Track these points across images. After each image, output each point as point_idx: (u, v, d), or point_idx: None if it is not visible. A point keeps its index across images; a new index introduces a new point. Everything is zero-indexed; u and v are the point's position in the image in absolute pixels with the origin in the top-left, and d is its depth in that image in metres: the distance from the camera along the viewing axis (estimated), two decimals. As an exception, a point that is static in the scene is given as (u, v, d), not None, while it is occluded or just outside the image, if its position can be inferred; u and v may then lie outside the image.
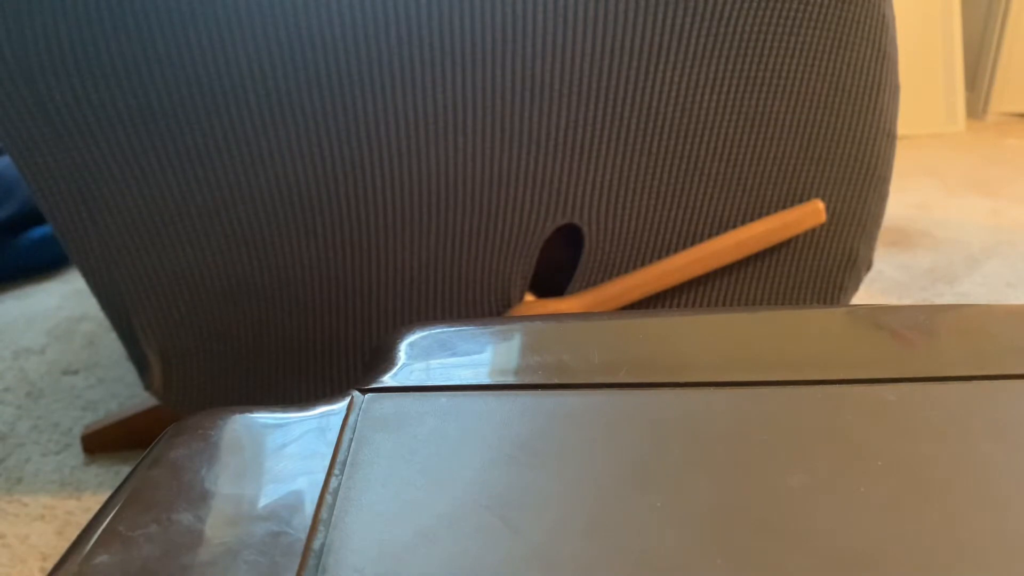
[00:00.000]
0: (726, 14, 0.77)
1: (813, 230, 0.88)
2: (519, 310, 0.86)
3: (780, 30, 0.79)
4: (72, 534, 0.30)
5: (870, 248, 0.93)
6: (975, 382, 0.36)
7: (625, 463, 0.31)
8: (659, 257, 0.85)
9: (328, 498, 0.30)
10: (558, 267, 0.86)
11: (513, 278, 0.85)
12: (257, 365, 0.88)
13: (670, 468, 0.31)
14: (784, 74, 0.81)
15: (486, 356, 0.40)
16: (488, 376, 0.37)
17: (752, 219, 0.86)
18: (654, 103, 0.79)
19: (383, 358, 0.39)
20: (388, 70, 0.73)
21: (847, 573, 0.26)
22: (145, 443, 0.34)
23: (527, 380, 0.36)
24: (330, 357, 0.86)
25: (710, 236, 0.86)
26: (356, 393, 0.36)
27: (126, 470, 0.34)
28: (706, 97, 0.80)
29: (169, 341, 0.87)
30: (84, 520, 0.31)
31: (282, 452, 0.33)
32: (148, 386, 0.94)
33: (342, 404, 0.35)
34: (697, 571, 0.26)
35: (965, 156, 2.29)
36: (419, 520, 0.28)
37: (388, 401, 0.35)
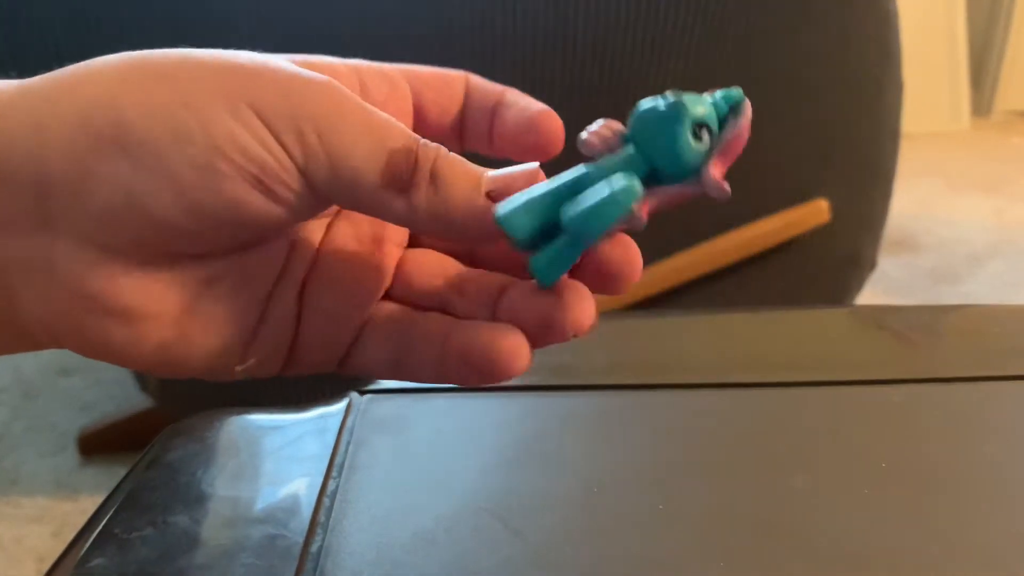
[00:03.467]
0: (729, 11, 0.76)
1: (817, 230, 0.88)
2: (520, 310, 0.86)
3: (784, 27, 0.78)
4: (68, 536, 0.30)
5: (874, 247, 0.92)
6: (979, 383, 0.36)
7: (626, 464, 0.31)
8: (661, 257, 0.85)
9: (326, 501, 0.29)
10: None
11: (514, 278, 0.84)
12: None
13: (671, 469, 0.31)
14: (787, 72, 0.80)
15: (486, 356, 0.40)
16: (488, 377, 0.37)
17: (755, 219, 0.86)
18: (656, 102, 0.79)
19: (382, 358, 0.39)
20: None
21: (850, 575, 0.26)
22: (142, 445, 0.34)
23: (527, 381, 0.36)
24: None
25: (713, 236, 0.86)
26: (354, 395, 0.35)
27: (122, 472, 0.34)
28: (708, 96, 0.80)
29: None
30: (80, 522, 0.31)
31: (279, 454, 0.33)
32: (144, 387, 0.94)
33: (340, 406, 0.35)
34: (698, 573, 0.26)
35: (969, 154, 2.29)
36: (417, 523, 0.28)
37: (386, 403, 0.35)
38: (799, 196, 0.86)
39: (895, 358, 0.40)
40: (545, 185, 0.22)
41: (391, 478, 0.30)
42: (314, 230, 0.25)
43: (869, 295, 1.52)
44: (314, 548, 0.27)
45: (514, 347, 0.23)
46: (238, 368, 0.24)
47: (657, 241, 0.84)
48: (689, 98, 0.21)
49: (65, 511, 1.07)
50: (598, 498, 0.29)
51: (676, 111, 0.21)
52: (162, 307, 0.22)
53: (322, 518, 0.29)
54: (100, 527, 0.29)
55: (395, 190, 0.21)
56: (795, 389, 0.36)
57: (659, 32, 0.76)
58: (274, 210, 0.21)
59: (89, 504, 1.08)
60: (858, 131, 0.85)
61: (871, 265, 0.94)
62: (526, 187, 0.22)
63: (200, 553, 0.28)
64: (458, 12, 0.72)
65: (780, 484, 0.30)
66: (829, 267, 0.91)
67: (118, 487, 0.31)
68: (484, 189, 0.22)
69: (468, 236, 0.23)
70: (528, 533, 0.28)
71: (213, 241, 0.22)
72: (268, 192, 0.21)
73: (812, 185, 0.86)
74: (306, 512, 0.29)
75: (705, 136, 0.21)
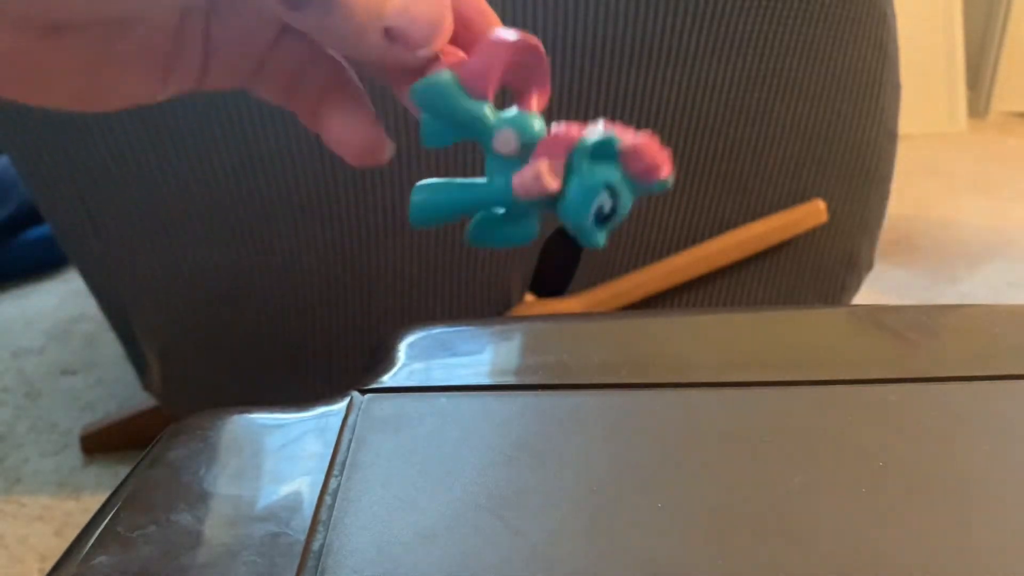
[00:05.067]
0: (726, 13, 0.77)
1: (814, 230, 0.88)
2: (519, 310, 0.86)
3: (781, 29, 0.79)
4: (71, 535, 0.31)
5: (871, 248, 0.93)
6: (977, 383, 0.36)
7: (625, 464, 0.31)
8: (660, 257, 0.85)
9: (327, 499, 0.29)
10: (558, 267, 0.86)
11: (513, 278, 0.84)
12: (256, 365, 0.88)
13: (670, 469, 0.31)
14: (785, 73, 0.81)
15: (486, 356, 0.40)
16: (488, 376, 0.37)
17: (753, 219, 0.86)
18: (654, 102, 0.79)
19: (383, 358, 0.39)
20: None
21: (848, 574, 0.26)
22: (144, 443, 0.35)
23: (527, 380, 0.36)
24: (330, 357, 0.86)
25: (711, 236, 0.86)
26: (355, 394, 0.36)
27: (125, 471, 0.34)
28: (706, 96, 0.80)
29: (168, 341, 0.87)
30: (83, 521, 0.31)
31: (281, 453, 0.33)
32: (147, 386, 0.94)
33: (341, 405, 0.35)
34: (698, 572, 0.26)
35: (966, 155, 2.29)
36: (419, 521, 0.28)
37: (387, 402, 0.35)
38: (797, 197, 0.86)
39: (893, 358, 0.40)
40: (465, 189, 0.24)
41: (392, 476, 0.30)
42: None
43: (866, 295, 1.52)
44: (316, 546, 0.27)
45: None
46: (159, 97, 0.25)
47: (656, 241, 0.84)
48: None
49: (68, 510, 1.07)
50: (598, 497, 0.30)
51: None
52: (74, 63, 0.23)
53: (324, 516, 0.29)
54: (103, 526, 0.29)
55: (288, 5, 0.22)
56: (793, 388, 0.36)
57: (656, 35, 0.76)
58: None
59: (92, 503, 1.08)
60: (855, 132, 0.85)
61: (868, 265, 0.94)
62: (428, 25, 0.22)
63: (202, 551, 0.28)
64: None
65: (778, 483, 0.30)
66: (827, 267, 0.91)
67: (120, 486, 0.31)
68: (385, 23, 0.22)
69: (359, 62, 0.24)
70: (528, 532, 0.28)
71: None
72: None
73: (810, 186, 0.86)
74: (308, 510, 0.29)
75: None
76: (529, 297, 0.87)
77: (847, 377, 0.36)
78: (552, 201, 0.23)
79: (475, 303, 0.85)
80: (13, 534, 1.03)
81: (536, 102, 0.24)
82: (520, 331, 0.43)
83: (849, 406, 0.35)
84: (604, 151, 0.22)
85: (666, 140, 0.81)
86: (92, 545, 0.28)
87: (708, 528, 0.28)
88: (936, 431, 0.33)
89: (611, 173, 0.22)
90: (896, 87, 0.87)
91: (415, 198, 0.24)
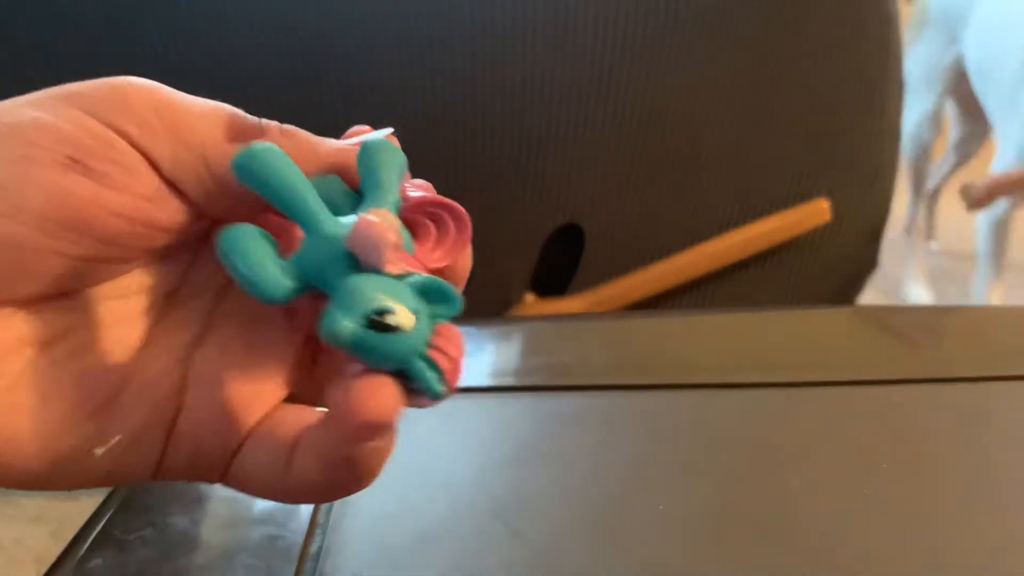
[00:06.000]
0: (729, 11, 0.76)
1: (818, 230, 0.88)
2: (519, 310, 0.86)
3: (783, 27, 0.78)
4: (67, 536, 0.31)
5: (875, 248, 0.92)
6: (980, 383, 0.36)
7: (627, 465, 0.31)
8: (661, 257, 0.85)
9: (325, 501, 0.29)
10: (558, 267, 0.86)
11: (513, 278, 0.84)
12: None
13: (672, 470, 0.31)
14: (788, 72, 0.80)
15: (486, 357, 0.40)
16: (488, 377, 0.37)
17: (756, 218, 0.86)
18: (656, 101, 0.79)
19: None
20: (388, 69, 0.73)
21: (850, 574, 0.26)
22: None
23: (527, 381, 0.36)
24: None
25: (713, 236, 0.86)
26: (354, 394, 0.35)
27: (123, 472, 0.34)
28: (709, 95, 0.80)
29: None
30: (79, 523, 0.31)
31: (279, 454, 0.33)
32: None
33: (340, 405, 0.35)
34: (699, 573, 0.26)
35: (968, 156, 2.28)
36: (418, 523, 0.28)
37: (386, 402, 0.35)
38: (800, 196, 0.86)
39: (896, 358, 0.40)
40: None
41: (391, 478, 0.30)
42: (206, 287, 0.21)
43: (870, 295, 1.52)
44: (314, 548, 0.27)
45: None
46: (98, 451, 0.19)
47: (657, 241, 0.84)
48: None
49: (64, 511, 1.07)
50: (598, 498, 0.29)
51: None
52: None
53: (321, 519, 0.28)
54: (99, 528, 0.29)
55: (242, 139, 0.20)
56: (796, 389, 0.36)
57: (658, 34, 0.76)
58: (108, 196, 0.18)
59: (89, 505, 1.07)
60: (859, 131, 0.85)
61: (872, 265, 0.94)
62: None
63: (199, 554, 0.28)
64: (458, 12, 0.72)
65: (781, 484, 0.30)
66: (830, 267, 0.91)
67: (117, 488, 0.31)
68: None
69: (338, 171, 0.22)
70: (528, 533, 0.28)
71: (54, 259, 0.18)
72: (90, 172, 0.18)
73: (813, 185, 0.86)
74: (305, 512, 0.29)
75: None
76: (529, 297, 0.87)
77: (851, 378, 0.36)
78: (331, 274, 0.18)
79: (475, 303, 0.84)
80: (9, 536, 1.03)
81: (433, 252, 0.21)
82: (520, 331, 0.43)
83: (852, 407, 0.35)
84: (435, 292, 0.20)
85: (668, 138, 0.81)
86: (89, 547, 0.28)
87: (710, 529, 0.28)
88: (939, 432, 0.33)
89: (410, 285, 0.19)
90: (900, 86, 0.86)
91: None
